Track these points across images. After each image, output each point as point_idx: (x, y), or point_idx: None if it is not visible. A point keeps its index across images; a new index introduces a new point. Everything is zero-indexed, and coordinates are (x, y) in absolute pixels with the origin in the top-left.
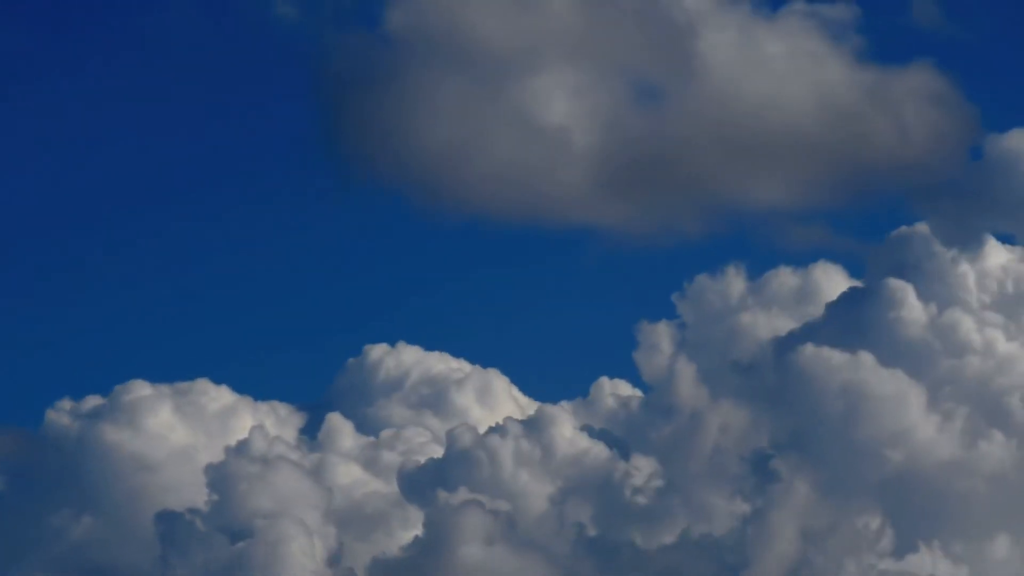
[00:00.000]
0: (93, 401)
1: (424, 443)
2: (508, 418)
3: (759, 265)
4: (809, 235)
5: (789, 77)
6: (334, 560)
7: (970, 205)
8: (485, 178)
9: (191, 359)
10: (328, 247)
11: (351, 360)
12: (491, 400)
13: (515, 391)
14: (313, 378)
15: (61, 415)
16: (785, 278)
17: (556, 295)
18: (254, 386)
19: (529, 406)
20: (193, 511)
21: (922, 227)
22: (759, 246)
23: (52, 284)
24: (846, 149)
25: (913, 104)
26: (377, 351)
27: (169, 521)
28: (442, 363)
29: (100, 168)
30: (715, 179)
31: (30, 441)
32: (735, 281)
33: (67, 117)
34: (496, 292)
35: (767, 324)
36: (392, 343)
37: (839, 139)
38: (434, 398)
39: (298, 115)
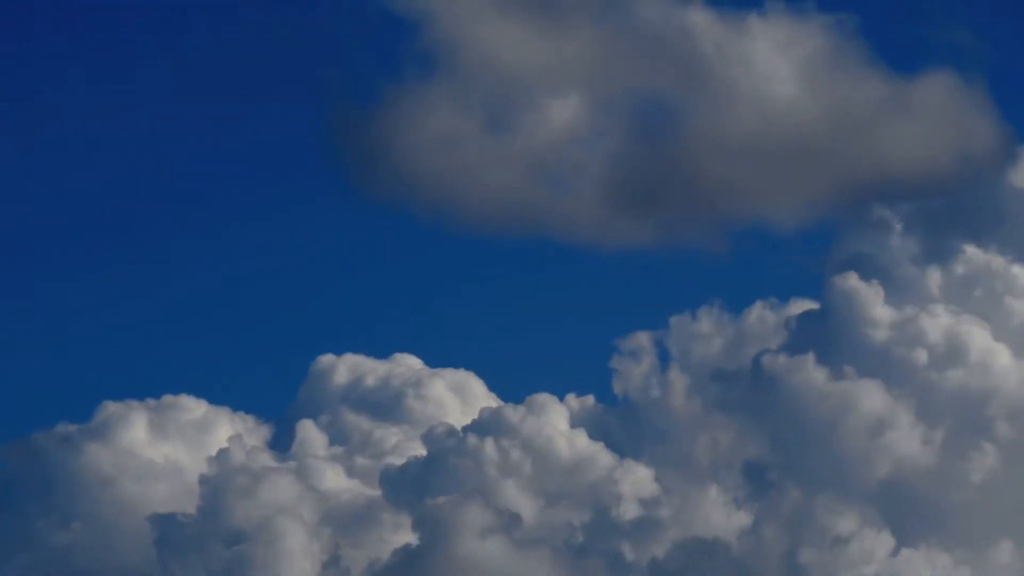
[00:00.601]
0: (74, 426)
1: (400, 444)
2: (486, 408)
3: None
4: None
5: (803, 91)
6: (332, 563)
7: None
8: (492, 196)
9: (155, 371)
10: (320, 256)
11: (310, 370)
12: (467, 404)
13: (493, 396)
14: (275, 389)
15: (47, 435)
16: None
17: (551, 307)
18: (226, 397)
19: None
20: (186, 517)
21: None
22: (764, 266)
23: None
24: (861, 164)
25: (933, 115)
26: (328, 361)
27: (163, 524)
28: (402, 366)
29: (83, 186)
30: (723, 196)
31: (17, 455)
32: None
33: (51, 137)
34: (487, 303)
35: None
36: (355, 351)
37: (854, 153)
38: (403, 402)
39: (304, 131)
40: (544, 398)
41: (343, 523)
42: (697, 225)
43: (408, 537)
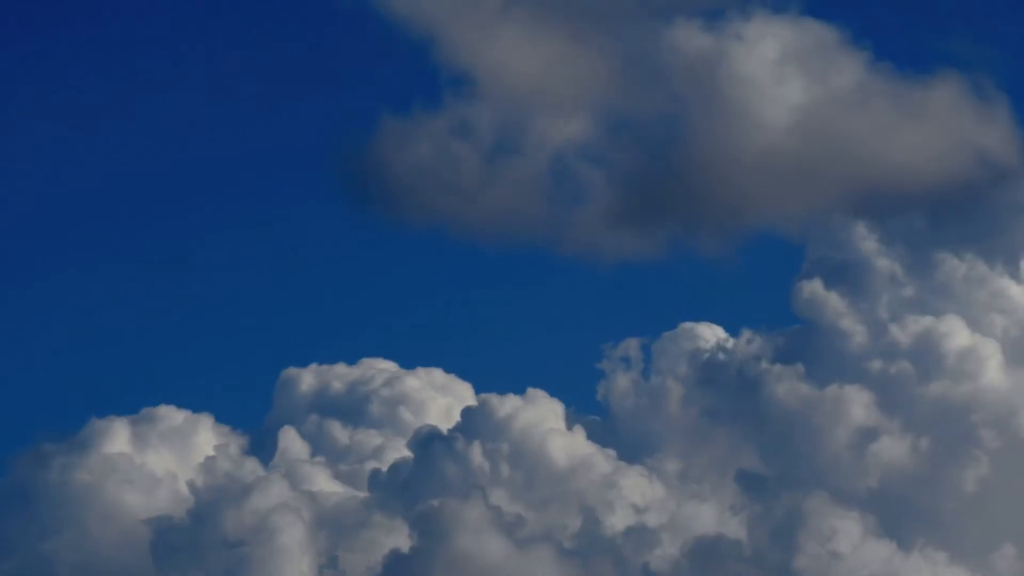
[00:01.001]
0: (62, 443)
1: (384, 448)
2: (467, 408)
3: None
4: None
5: (806, 101)
6: (330, 564)
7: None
8: (493, 212)
9: (132, 384)
10: (298, 267)
11: (282, 379)
12: (450, 406)
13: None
14: (248, 400)
15: (34, 453)
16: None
17: (542, 316)
18: (202, 408)
19: None
20: (180, 522)
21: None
22: (763, 277)
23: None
24: (868, 174)
25: (942, 123)
26: (299, 370)
27: (158, 532)
28: (371, 370)
29: (57, 205)
30: (726, 208)
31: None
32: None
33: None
34: (474, 312)
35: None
36: (328, 361)
37: (860, 163)
38: (382, 406)
39: (305, 149)
40: (534, 395)
41: (337, 528)
42: (699, 237)
43: (402, 540)
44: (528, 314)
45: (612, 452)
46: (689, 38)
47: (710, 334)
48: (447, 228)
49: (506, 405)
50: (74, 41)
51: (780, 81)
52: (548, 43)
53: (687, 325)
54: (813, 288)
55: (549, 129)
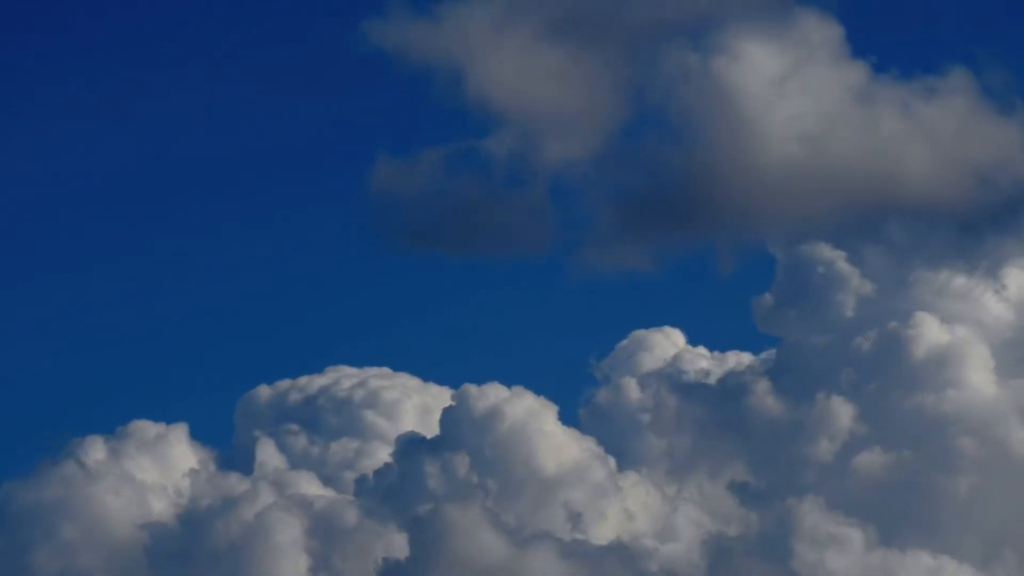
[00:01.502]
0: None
1: (365, 456)
2: (450, 408)
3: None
4: None
5: (812, 114)
6: (325, 568)
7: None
8: (496, 230)
9: (107, 401)
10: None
11: (252, 394)
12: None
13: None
14: (215, 415)
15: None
16: None
17: (534, 324)
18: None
19: None
20: (171, 533)
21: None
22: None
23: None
24: (874, 183)
25: (948, 123)
26: (288, 383)
27: (151, 542)
28: (337, 375)
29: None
30: (726, 219)
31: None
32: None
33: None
34: (456, 319)
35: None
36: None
37: (865, 171)
38: (355, 413)
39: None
40: (521, 399)
41: (329, 534)
42: (700, 252)
43: (395, 545)
44: (523, 323)
45: (602, 461)
46: (687, 55)
47: (699, 343)
48: (448, 248)
49: (490, 410)
50: (76, 42)
51: (782, 96)
52: (548, 67)
53: (677, 333)
54: (773, 304)
55: (549, 151)
